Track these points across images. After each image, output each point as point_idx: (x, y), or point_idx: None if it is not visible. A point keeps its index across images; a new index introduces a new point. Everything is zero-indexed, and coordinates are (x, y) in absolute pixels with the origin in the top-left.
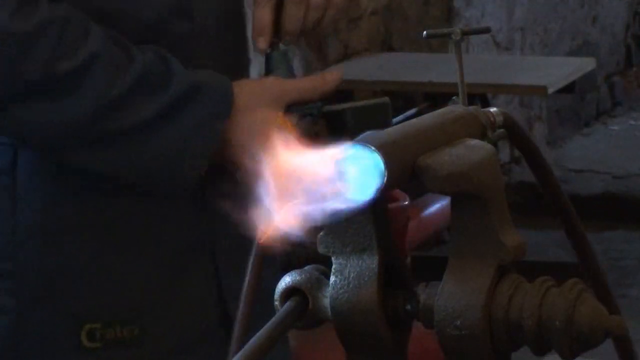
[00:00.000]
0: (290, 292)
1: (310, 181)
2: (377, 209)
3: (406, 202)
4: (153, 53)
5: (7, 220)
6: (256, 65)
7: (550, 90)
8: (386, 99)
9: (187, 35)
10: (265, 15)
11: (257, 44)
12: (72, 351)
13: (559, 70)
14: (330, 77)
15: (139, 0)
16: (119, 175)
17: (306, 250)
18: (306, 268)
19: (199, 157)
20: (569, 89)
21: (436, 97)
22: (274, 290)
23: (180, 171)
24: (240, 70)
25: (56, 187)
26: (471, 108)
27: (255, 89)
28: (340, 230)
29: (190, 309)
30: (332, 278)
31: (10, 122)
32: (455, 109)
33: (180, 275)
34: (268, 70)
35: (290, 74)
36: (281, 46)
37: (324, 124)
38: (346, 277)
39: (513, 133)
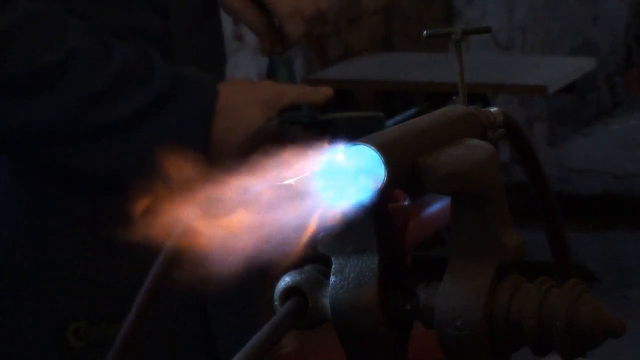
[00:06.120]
0: (289, 292)
1: (305, 188)
2: (377, 209)
3: (406, 202)
4: (134, 48)
5: None
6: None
7: (551, 90)
8: (380, 113)
9: (162, 33)
10: (255, 20)
11: (264, 49)
12: (58, 350)
13: (559, 70)
14: (323, 90)
15: (115, 1)
16: (102, 172)
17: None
18: (306, 268)
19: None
20: (569, 88)
21: (436, 97)
22: (251, 290)
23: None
24: (216, 68)
25: (39, 188)
26: (471, 108)
27: (246, 89)
28: (340, 230)
29: (175, 308)
30: (332, 278)
31: None
32: (455, 109)
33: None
34: (270, 75)
35: (291, 80)
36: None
37: (315, 132)
38: (346, 277)
39: (512, 133)
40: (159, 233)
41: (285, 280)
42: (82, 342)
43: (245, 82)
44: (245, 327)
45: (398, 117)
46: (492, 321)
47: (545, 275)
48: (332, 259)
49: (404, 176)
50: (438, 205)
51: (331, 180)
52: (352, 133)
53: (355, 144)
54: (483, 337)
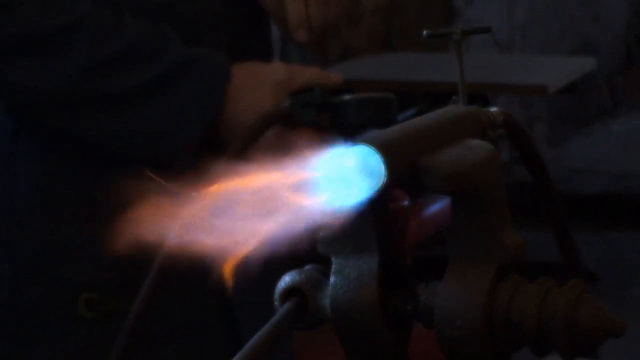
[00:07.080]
0: (289, 292)
1: (306, 181)
2: (377, 209)
3: (406, 202)
4: (149, 25)
5: (5, 189)
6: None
7: (551, 90)
8: (392, 95)
9: (189, 17)
10: (299, 7)
11: (297, 36)
12: (70, 321)
13: (559, 70)
14: (334, 76)
15: None
16: (110, 144)
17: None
18: (306, 268)
19: (190, 130)
20: (569, 88)
21: (436, 97)
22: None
23: (170, 143)
24: (254, 55)
25: (55, 158)
26: (471, 108)
27: (259, 71)
28: (340, 230)
29: (191, 286)
30: (332, 278)
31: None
32: (455, 109)
33: None
34: (283, 60)
35: (304, 64)
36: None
37: (326, 114)
38: (346, 277)
39: (513, 133)
40: (173, 211)
41: (285, 280)
42: (94, 314)
43: (257, 64)
44: (268, 309)
45: (398, 117)
46: (492, 321)
47: (546, 275)
48: (332, 259)
49: (404, 176)
50: (438, 205)
51: (331, 180)
52: (363, 114)
53: (356, 144)
54: (483, 337)
